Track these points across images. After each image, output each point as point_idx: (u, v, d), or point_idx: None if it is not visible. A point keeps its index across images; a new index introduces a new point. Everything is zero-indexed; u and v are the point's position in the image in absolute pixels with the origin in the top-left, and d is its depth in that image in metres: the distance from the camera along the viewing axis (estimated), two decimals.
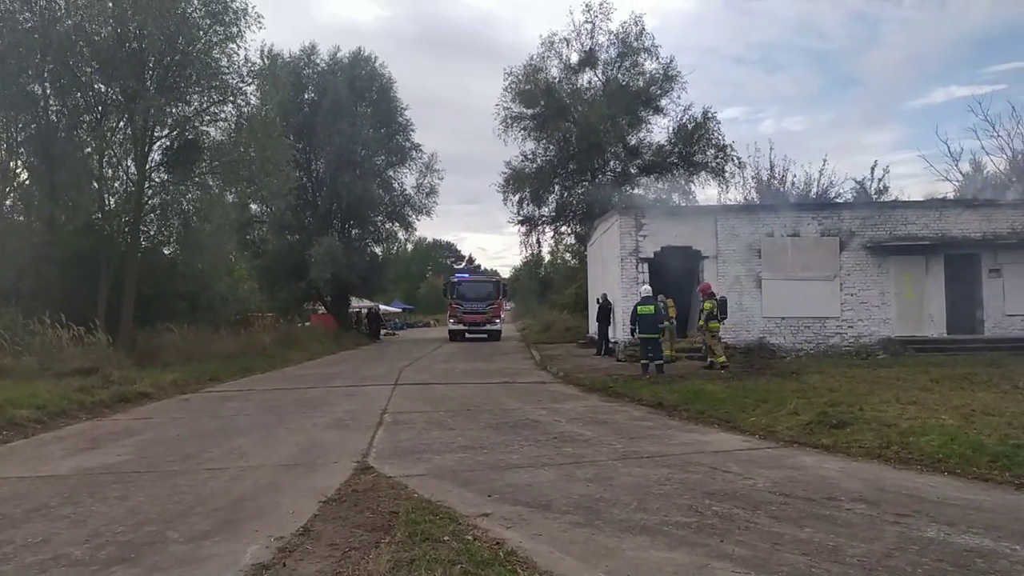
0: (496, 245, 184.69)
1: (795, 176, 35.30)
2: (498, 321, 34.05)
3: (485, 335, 33.92)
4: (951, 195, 36.10)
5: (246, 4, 21.16)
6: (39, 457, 8.40)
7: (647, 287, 16.60)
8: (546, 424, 10.05)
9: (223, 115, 22.90)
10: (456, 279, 35.47)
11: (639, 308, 15.65)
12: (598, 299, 22.66)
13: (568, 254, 39.87)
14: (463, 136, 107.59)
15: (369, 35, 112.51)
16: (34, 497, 6.45)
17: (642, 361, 15.63)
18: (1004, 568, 4.38)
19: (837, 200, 30.71)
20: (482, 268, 71.77)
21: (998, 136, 40.97)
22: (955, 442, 7.48)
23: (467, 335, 34.33)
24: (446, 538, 4.84)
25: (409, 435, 9.28)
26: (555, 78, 32.37)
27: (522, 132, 32.86)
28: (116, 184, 22.21)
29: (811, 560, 4.52)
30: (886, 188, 34.57)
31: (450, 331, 34.91)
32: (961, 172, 42.27)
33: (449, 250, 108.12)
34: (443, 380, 16.35)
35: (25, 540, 5.19)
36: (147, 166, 21.69)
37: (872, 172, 37.69)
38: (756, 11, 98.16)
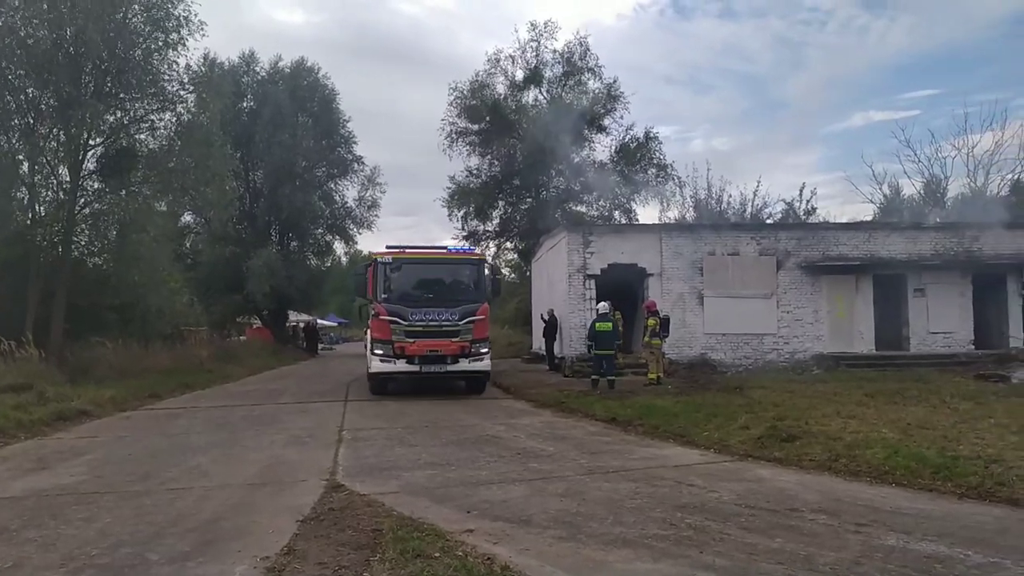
0: None
1: (731, 196, 36.59)
2: (484, 350, 15.90)
3: (460, 378, 16.28)
4: (873, 217, 37.96)
5: (188, 11, 20.73)
6: None
7: (604, 304, 16.87)
8: (507, 440, 10.16)
9: (161, 123, 22.30)
10: (388, 260, 16.06)
11: (597, 325, 15.92)
12: (543, 315, 22.93)
13: (507, 269, 40.13)
14: (396, 147, 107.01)
15: (298, 41, 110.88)
16: None
17: (592, 376, 15.91)
18: (961, 572, 4.72)
19: (769, 220, 31.95)
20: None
21: (917, 160, 43.45)
22: (899, 455, 7.93)
23: (420, 375, 15.63)
24: (437, 554, 4.90)
25: (372, 452, 9.25)
26: (501, 95, 32.78)
27: (467, 147, 33.10)
28: (47, 192, 21.30)
29: (787, 568, 4.77)
30: (814, 209, 36.14)
31: (374, 374, 15.89)
32: (884, 194, 44.47)
33: None
34: (393, 396, 16.24)
35: None
36: (80, 174, 20.91)
37: (800, 193, 39.41)
38: (685, 32, 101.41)
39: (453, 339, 15.25)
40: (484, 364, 15.72)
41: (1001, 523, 5.84)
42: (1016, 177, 40.62)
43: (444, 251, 17.56)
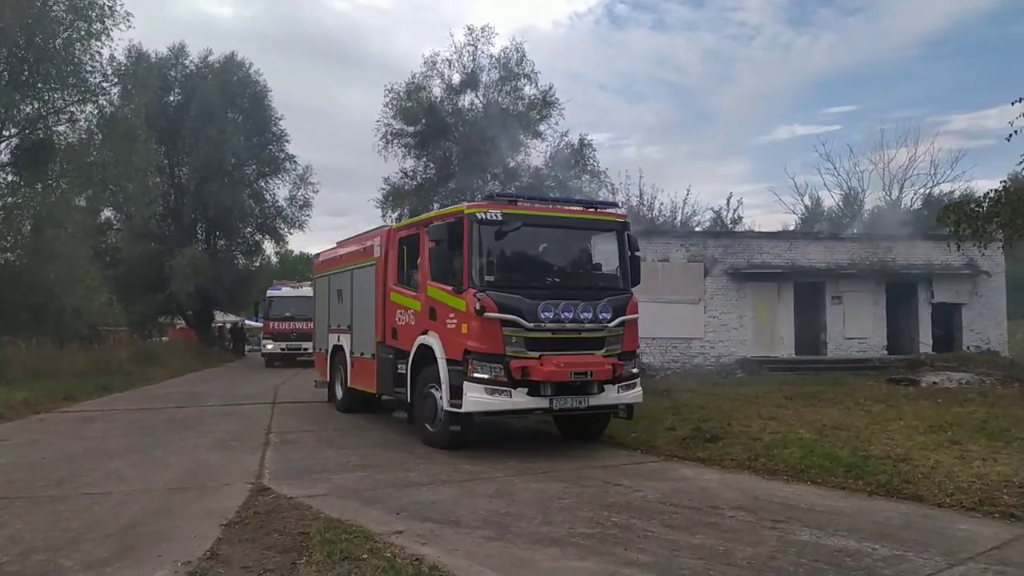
0: None
1: (662, 203, 37.44)
2: (636, 370, 10.08)
3: (593, 416, 10.06)
4: (795, 226, 39.47)
5: (113, 1, 20.00)
6: None
7: None
8: None
9: (82, 115, 21.48)
10: (494, 216, 9.23)
11: None
12: None
13: None
14: (328, 146, 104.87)
15: (229, 35, 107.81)
16: None
17: None
18: (868, 565, 4.99)
19: (697, 228, 32.83)
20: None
21: (836, 173, 45.40)
22: (814, 454, 8.29)
23: (552, 413, 9.62)
24: (365, 556, 4.90)
25: (301, 455, 9.13)
26: (437, 97, 32.52)
27: (403, 149, 32.62)
28: None
29: (707, 563, 4.95)
30: (740, 218, 37.34)
31: (465, 417, 9.13)
32: (805, 205, 46.29)
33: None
34: (322, 398, 15.98)
35: None
36: None
37: (728, 202, 40.50)
38: (619, 42, 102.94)
39: (599, 352, 9.31)
40: (636, 393, 9.70)
41: (906, 518, 6.19)
42: (928, 191, 42.91)
43: (574, 207, 10.59)
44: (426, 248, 9.92)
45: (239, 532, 5.67)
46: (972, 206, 14.81)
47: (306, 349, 23.92)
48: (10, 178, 20.77)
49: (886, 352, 21.94)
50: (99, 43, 20.10)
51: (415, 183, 33.11)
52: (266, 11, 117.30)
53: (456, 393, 8.88)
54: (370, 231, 12.90)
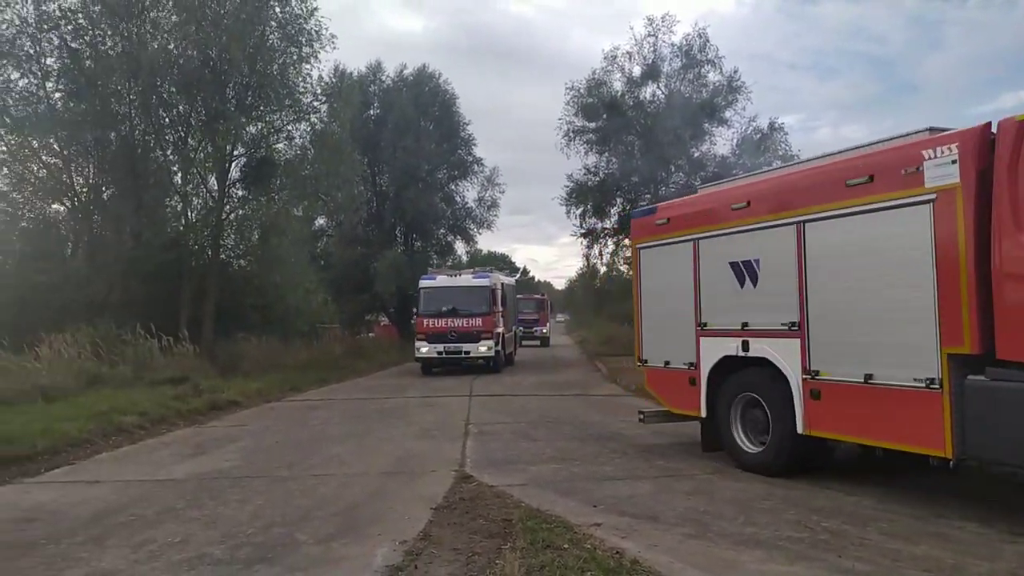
0: (547, 256, 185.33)
1: None
2: None
3: None
4: None
5: (319, 26, 21.94)
6: (153, 462, 8.87)
7: None
8: (630, 437, 10.09)
9: (297, 133, 23.83)
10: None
11: None
12: None
13: (625, 266, 39.64)
14: (507, 145, 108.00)
15: (415, 47, 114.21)
16: (160, 499, 6.84)
17: None
18: None
19: None
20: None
21: None
22: None
23: None
24: (566, 546, 5.00)
25: (498, 446, 9.48)
26: (618, 92, 32.44)
27: (585, 145, 32.94)
28: (197, 200, 23.15)
29: None
30: None
31: None
32: None
33: (504, 261, 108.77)
34: (516, 391, 16.54)
35: (166, 539, 5.54)
36: (226, 182, 22.58)
37: None
38: (809, 16, 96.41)
39: None
40: None
41: None
42: None
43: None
44: None
45: (447, 516, 6.02)
46: None
47: (468, 353, 21.60)
48: (240, 193, 23.42)
49: None
50: (308, 65, 22.19)
51: (597, 179, 33.27)
52: (448, 21, 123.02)
53: None
54: (890, 141, 6.76)
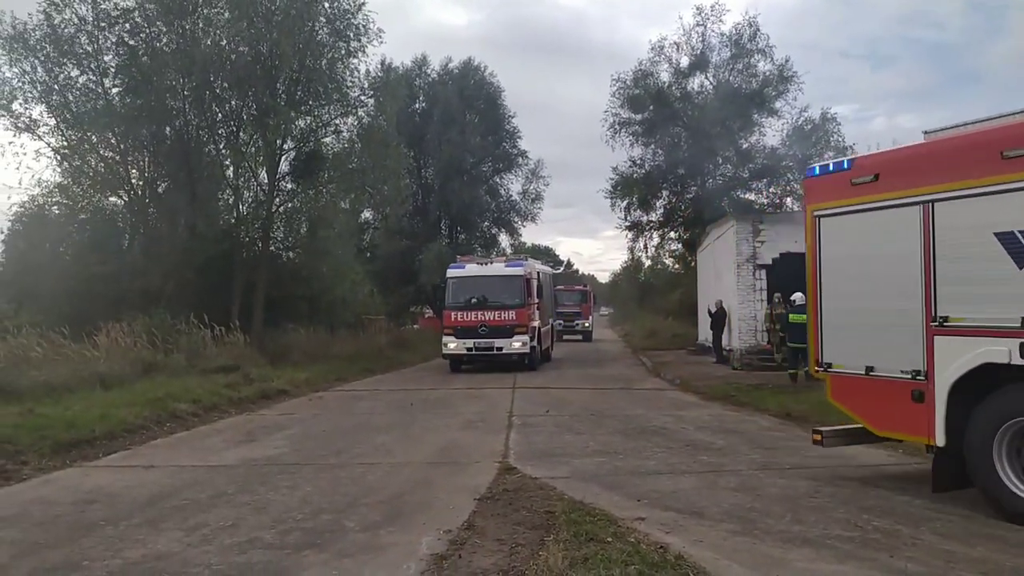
0: (591, 249, 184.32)
1: None
2: None
3: None
4: None
5: (367, 20, 22.15)
6: (205, 448, 9.13)
7: (799, 295, 15.59)
8: (674, 431, 10.05)
9: (344, 127, 24.12)
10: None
11: (791, 316, 15.02)
12: (710, 307, 22.27)
13: (670, 259, 39.22)
14: (552, 139, 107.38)
15: (462, 40, 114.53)
16: (212, 484, 7.04)
17: (790, 371, 15.02)
18: None
19: None
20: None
21: None
22: None
23: None
24: (609, 539, 5.00)
25: (541, 438, 9.51)
26: (665, 83, 32.10)
27: (630, 137, 32.70)
28: (248, 193, 23.66)
29: None
30: None
31: None
32: None
33: (547, 255, 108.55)
34: (559, 384, 16.53)
35: (218, 523, 5.70)
36: (276, 176, 23.02)
37: None
38: (861, 2, 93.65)
39: None
40: None
41: None
42: None
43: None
44: None
45: (491, 507, 6.07)
46: None
47: (500, 349, 19.62)
48: (289, 186, 23.83)
49: None
50: (356, 60, 22.44)
51: (643, 171, 33.00)
52: (493, 14, 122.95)
53: None
54: None
